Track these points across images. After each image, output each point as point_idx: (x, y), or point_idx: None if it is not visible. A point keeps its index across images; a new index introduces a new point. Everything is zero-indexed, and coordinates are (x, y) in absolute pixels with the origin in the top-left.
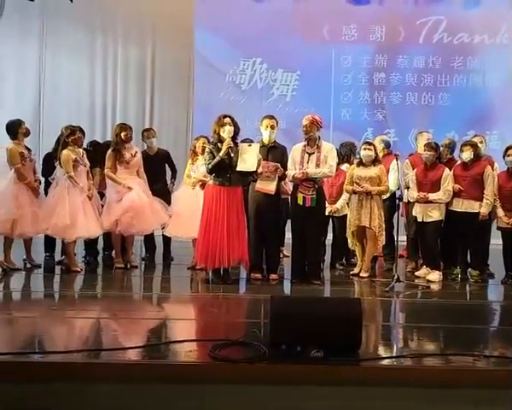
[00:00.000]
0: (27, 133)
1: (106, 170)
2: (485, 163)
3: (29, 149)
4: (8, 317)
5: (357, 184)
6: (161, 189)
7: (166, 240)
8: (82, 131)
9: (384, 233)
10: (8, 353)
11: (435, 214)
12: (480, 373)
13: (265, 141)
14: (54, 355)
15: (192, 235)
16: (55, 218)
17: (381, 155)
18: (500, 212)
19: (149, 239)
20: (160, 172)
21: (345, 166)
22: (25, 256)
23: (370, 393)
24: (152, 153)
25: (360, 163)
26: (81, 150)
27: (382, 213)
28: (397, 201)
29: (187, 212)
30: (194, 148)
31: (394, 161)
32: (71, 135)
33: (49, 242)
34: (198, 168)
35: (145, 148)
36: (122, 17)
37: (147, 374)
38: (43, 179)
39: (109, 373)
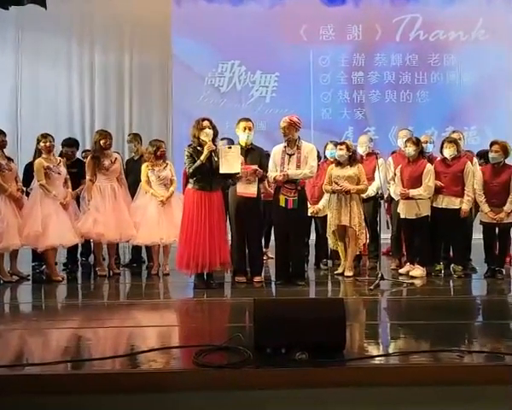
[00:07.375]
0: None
1: (87, 180)
2: (465, 160)
3: (10, 159)
4: None
5: (336, 183)
6: None
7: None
8: (71, 144)
9: (364, 232)
10: None
11: (419, 210)
12: (469, 369)
13: (242, 143)
14: (33, 368)
15: (168, 240)
16: (28, 227)
17: (365, 153)
18: (486, 208)
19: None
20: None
21: None
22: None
23: (357, 393)
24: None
25: (338, 163)
26: (59, 158)
27: (362, 212)
28: (379, 199)
29: (156, 217)
30: (155, 152)
31: (381, 160)
32: (41, 142)
33: (36, 252)
34: (161, 172)
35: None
36: (99, 23)
37: (130, 383)
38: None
39: (91, 384)
